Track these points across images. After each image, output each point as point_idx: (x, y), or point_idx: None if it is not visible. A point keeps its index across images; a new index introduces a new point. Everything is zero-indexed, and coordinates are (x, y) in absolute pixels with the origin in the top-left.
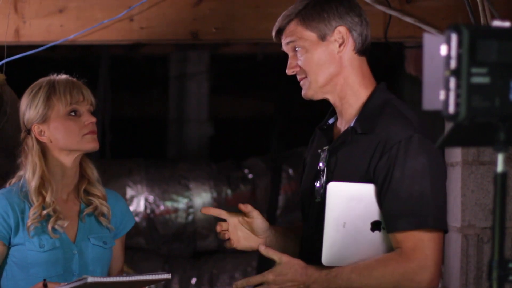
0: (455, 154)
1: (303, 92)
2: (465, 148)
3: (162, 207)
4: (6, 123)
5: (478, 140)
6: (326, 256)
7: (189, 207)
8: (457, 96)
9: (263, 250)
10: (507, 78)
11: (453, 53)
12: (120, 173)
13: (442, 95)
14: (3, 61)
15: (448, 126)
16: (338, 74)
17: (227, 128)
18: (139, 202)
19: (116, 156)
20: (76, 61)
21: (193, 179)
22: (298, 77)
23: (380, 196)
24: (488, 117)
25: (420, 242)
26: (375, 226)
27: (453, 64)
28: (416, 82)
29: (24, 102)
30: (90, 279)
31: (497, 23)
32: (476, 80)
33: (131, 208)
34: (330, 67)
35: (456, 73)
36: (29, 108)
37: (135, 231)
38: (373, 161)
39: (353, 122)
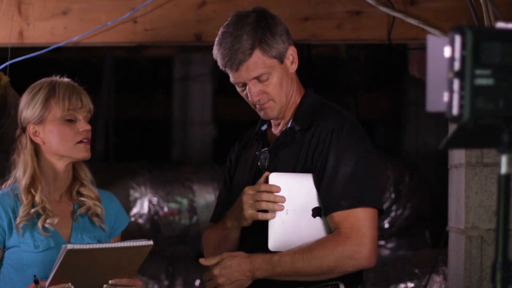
0: (458, 156)
1: (266, 115)
2: (469, 149)
3: (166, 209)
4: (10, 125)
5: (482, 141)
6: (272, 242)
7: (193, 209)
8: (461, 97)
9: (203, 262)
10: (511, 80)
11: (457, 54)
12: (124, 175)
13: (445, 96)
14: (7, 63)
15: (452, 127)
16: (291, 89)
17: (231, 129)
18: (143, 204)
19: (120, 158)
20: (80, 63)
21: (196, 181)
22: (261, 103)
23: (318, 182)
24: (492, 119)
25: (357, 221)
26: (316, 212)
27: (456, 65)
28: (420, 84)
29: (23, 100)
30: (69, 246)
31: (500, 24)
32: (480, 81)
33: (135, 210)
34: (288, 85)
35: (459, 74)
36: (27, 107)
37: (139, 233)
38: (310, 152)
39: (290, 122)
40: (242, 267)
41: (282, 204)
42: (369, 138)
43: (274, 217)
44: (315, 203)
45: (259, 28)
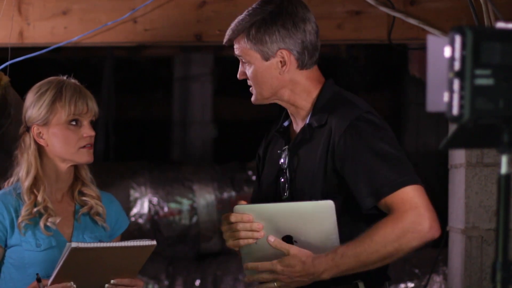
0: (459, 156)
1: (251, 99)
2: (469, 150)
3: (166, 209)
4: (10, 125)
5: (482, 141)
6: (245, 270)
7: (193, 209)
8: (461, 97)
9: (272, 242)
10: (511, 80)
11: (457, 54)
12: (124, 175)
13: (446, 96)
14: (7, 63)
15: (452, 128)
16: (283, 87)
17: (231, 130)
18: (143, 204)
19: (120, 158)
20: (80, 63)
21: (197, 181)
22: (248, 83)
23: (351, 179)
24: (492, 119)
25: (407, 195)
26: (286, 241)
27: (457, 65)
28: (420, 84)
29: (29, 98)
30: (74, 245)
31: (500, 24)
32: (480, 81)
33: (135, 210)
34: (273, 83)
35: (460, 74)
36: (33, 107)
37: (139, 233)
38: (330, 150)
39: (308, 118)
40: (306, 270)
41: (261, 231)
42: (387, 124)
43: (255, 241)
44: (285, 232)
45: (257, 19)
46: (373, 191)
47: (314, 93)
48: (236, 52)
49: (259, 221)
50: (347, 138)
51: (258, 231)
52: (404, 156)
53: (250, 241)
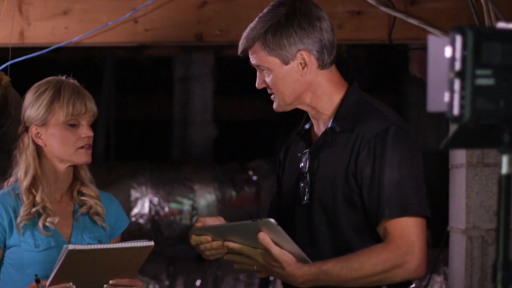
0: (459, 156)
1: (273, 107)
2: (470, 150)
3: (166, 209)
4: (10, 124)
5: (483, 142)
6: None
7: (194, 209)
8: (462, 97)
9: (261, 237)
10: (511, 80)
11: (458, 54)
12: (124, 175)
13: (446, 96)
14: (8, 63)
15: (453, 128)
16: (305, 91)
17: (232, 130)
18: (144, 204)
19: (121, 158)
20: (80, 63)
21: (197, 181)
22: (268, 91)
23: (365, 189)
24: (493, 119)
25: (406, 229)
26: None
27: (457, 65)
28: (421, 84)
29: (28, 98)
30: (71, 247)
31: (501, 24)
32: (481, 81)
33: (136, 210)
34: (295, 87)
35: (460, 74)
36: (31, 107)
37: (140, 233)
38: (353, 156)
39: (331, 122)
40: (284, 276)
41: (222, 247)
42: (414, 141)
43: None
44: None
45: (272, 23)
46: (375, 209)
47: (337, 96)
48: (253, 61)
49: (218, 239)
50: (370, 148)
51: (220, 248)
52: (419, 182)
53: (219, 255)
